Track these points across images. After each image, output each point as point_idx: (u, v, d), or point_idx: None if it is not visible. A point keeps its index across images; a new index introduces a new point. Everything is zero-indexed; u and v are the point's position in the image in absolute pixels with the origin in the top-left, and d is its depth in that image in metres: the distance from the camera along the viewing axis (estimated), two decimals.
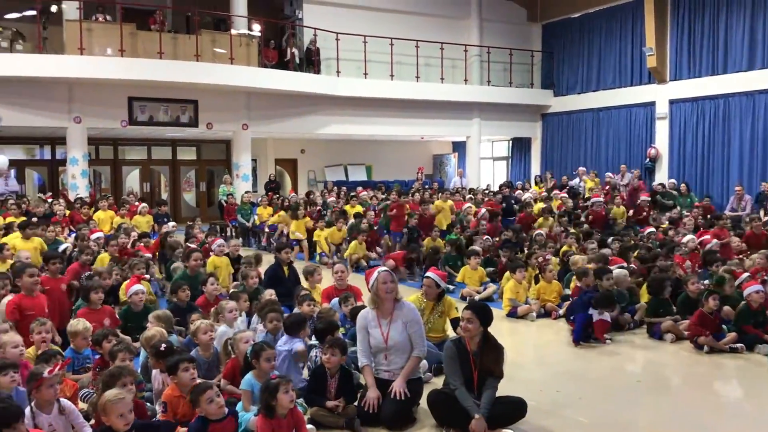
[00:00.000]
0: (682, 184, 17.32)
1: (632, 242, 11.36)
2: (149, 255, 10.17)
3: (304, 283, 8.21)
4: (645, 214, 15.25)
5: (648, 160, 19.63)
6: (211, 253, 9.68)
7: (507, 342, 5.76)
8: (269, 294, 7.57)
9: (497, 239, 12.74)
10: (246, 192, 17.17)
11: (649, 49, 19.21)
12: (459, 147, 25.13)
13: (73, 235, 11.73)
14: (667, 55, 19.45)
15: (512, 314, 8.84)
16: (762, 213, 15.12)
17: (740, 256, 10.52)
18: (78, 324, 5.86)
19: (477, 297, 9.56)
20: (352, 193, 17.83)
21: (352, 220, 15.03)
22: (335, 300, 7.42)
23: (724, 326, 7.43)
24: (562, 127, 23.08)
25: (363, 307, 6.66)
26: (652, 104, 19.96)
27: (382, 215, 14.73)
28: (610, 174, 18.96)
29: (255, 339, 5.52)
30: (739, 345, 7.13)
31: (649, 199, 16.01)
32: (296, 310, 6.90)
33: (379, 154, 24.38)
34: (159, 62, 15.94)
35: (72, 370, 5.62)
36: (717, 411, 5.71)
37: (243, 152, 18.69)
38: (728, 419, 5.53)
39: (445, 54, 21.14)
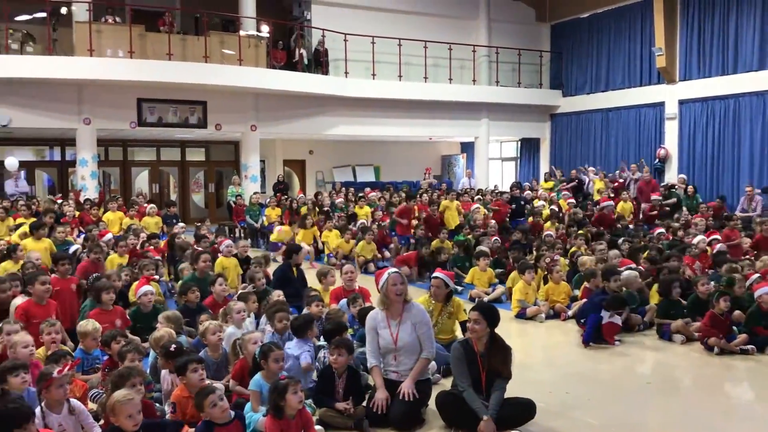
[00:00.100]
0: (690, 186, 17.24)
1: (642, 243, 11.33)
2: (158, 257, 10.19)
3: (318, 285, 8.20)
4: (656, 212, 15.21)
5: (657, 160, 19.54)
6: (219, 254, 9.69)
7: (516, 343, 5.75)
8: (277, 295, 7.58)
9: (506, 242, 12.71)
10: (254, 193, 17.20)
11: (659, 49, 19.12)
12: (467, 147, 25.09)
13: (83, 236, 11.77)
14: (676, 55, 19.36)
15: (521, 315, 8.81)
16: None
17: (748, 257, 10.45)
18: (87, 324, 5.89)
19: (486, 298, 9.55)
20: (360, 194, 17.83)
21: (362, 221, 15.09)
22: (344, 301, 7.42)
23: (734, 327, 7.38)
24: (571, 127, 23.01)
25: (371, 308, 6.65)
26: (662, 104, 19.87)
27: (389, 217, 14.71)
28: (619, 171, 18.87)
29: (263, 340, 5.52)
30: (749, 346, 7.09)
31: (661, 198, 15.92)
32: (305, 310, 6.91)
33: (387, 154, 24.38)
34: (168, 63, 16.00)
35: (81, 371, 5.64)
36: (727, 413, 5.68)
37: (251, 153, 18.73)
38: (739, 422, 5.49)
39: (454, 54, 21.13)
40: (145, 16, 17.12)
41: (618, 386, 6.28)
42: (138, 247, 10.46)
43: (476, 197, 17.41)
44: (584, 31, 22.43)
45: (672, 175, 19.16)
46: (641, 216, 16.12)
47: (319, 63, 19.57)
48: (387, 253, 13.34)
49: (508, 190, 19.12)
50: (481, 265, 10.39)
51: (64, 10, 16.85)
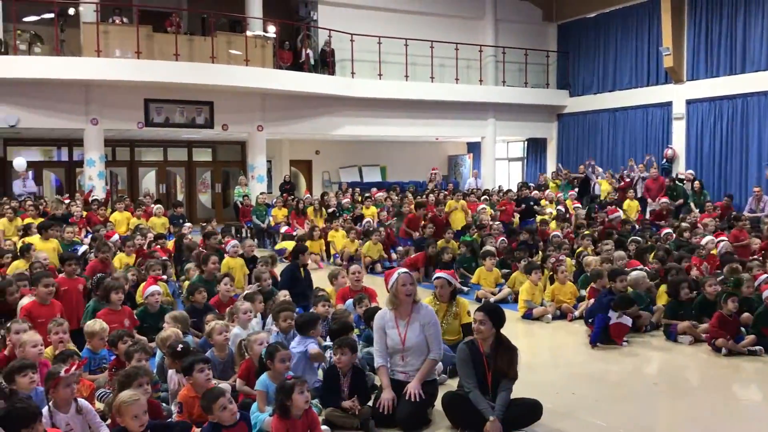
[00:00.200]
0: (697, 182, 17.19)
1: (649, 243, 11.29)
2: (165, 257, 10.21)
3: (328, 287, 8.21)
4: (665, 213, 15.15)
5: (665, 160, 19.47)
6: (225, 255, 9.70)
7: (522, 344, 5.74)
8: (283, 295, 7.60)
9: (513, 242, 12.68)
10: (261, 193, 17.22)
11: (666, 49, 19.05)
12: (474, 148, 25.05)
13: (90, 236, 11.82)
14: (684, 55, 19.28)
15: (527, 316, 8.80)
16: None
17: (756, 257, 10.41)
18: (95, 324, 5.91)
19: (492, 299, 9.54)
20: (367, 194, 17.84)
21: (368, 219, 15.11)
22: (350, 301, 7.42)
23: (742, 329, 7.35)
24: (578, 127, 22.96)
25: (377, 308, 6.66)
26: (669, 104, 19.80)
27: (395, 219, 14.62)
28: (627, 171, 18.80)
29: (269, 340, 5.53)
30: (757, 347, 7.05)
31: (668, 201, 15.86)
32: (312, 310, 6.91)
33: (393, 155, 24.37)
34: (175, 64, 16.04)
35: (89, 371, 5.66)
36: (736, 415, 5.65)
37: (258, 153, 18.76)
38: (747, 423, 5.46)
39: (460, 54, 21.12)
40: (153, 17, 17.17)
41: (625, 387, 6.27)
42: (145, 247, 10.50)
43: (483, 197, 17.39)
44: (591, 31, 22.38)
45: None
46: (648, 216, 16.06)
47: (325, 63, 19.59)
48: (394, 255, 13.33)
49: (515, 190, 19.15)
50: (487, 265, 10.39)
51: (71, 11, 16.94)
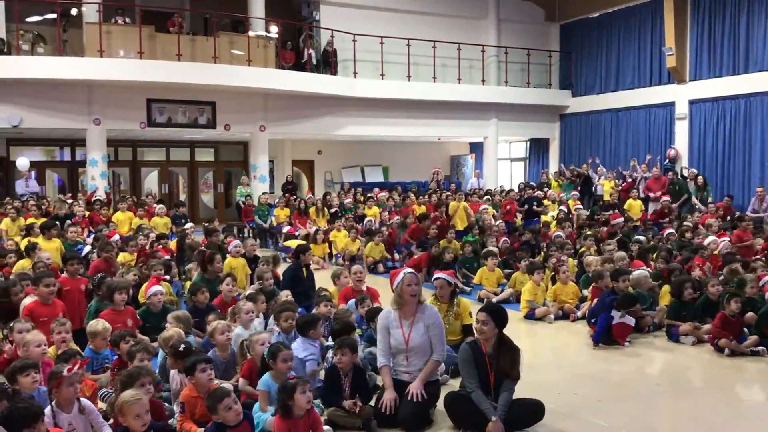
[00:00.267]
0: (700, 177, 17.18)
1: (651, 244, 11.29)
2: (167, 256, 10.22)
3: (331, 287, 8.21)
4: (666, 211, 15.14)
5: (668, 160, 19.44)
6: (228, 255, 9.70)
7: (525, 344, 5.73)
8: (285, 295, 7.60)
9: (515, 242, 12.68)
10: (263, 193, 17.24)
11: (669, 49, 19.03)
12: (476, 148, 25.04)
13: (92, 236, 11.83)
14: (686, 55, 19.25)
15: (530, 316, 8.79)
16: None
17: (759, 257, 10.39)
18: (97, 324, 5.91)
19: (494, 299, 9.53)
20: (369, 194, 17.85)
21: (369, 218, 15.12)
22: (352, 301, 7.42)
23: (745, 329, 7.33)
24: (580, 127, 22.92)
25: (379, 308, 6.65)
26: (672, 104, 19.77)
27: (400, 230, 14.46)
28: (630, 171, 18.78)
29: (271, 340, 5.53)
30: (760, 348, 7.04)
31: (670, 199, 15.85)
32: (314, 310, 6.92)
33: (395, 155, 24.37)
34: (177, 64, 16.06)
35: (91, 370, 5.66)
36: (738, 415, 5.64)
37: (260, 153, 18.77)
38: (750, 423, 5.45)
39: (463, 54, 21.11)
40: (155, 17, 17.18)
41: (628, 387, 6.25)
42: (147, 247, 10.51)
43: (485, 197, 17.38)
44: (594, 31, 22.35)
45: None
46: (649, 216, 16.04)
47: (327, 63, 19.60)
48: (397, 255, 13.29)
49: (517, 190, 19.15)
50: (489, 265, 10.40)
51: (74, 11, 16.95)
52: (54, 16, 16.59)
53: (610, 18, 21.73)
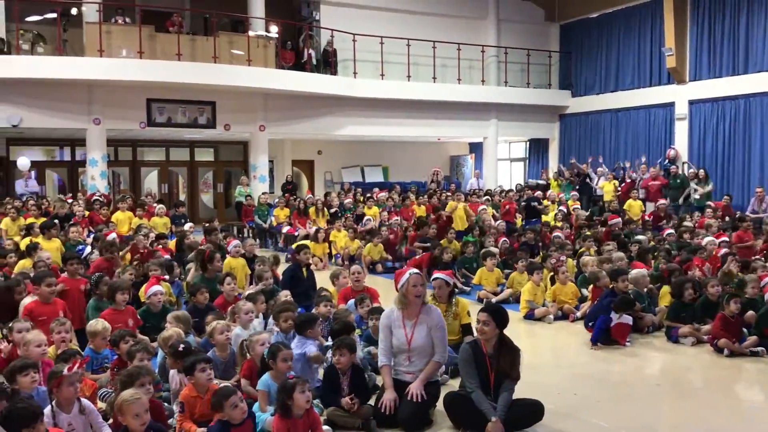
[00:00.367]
0: (701, 170, 17.19)
1: (651, 244, 11.29)
2: (167, 256, 10.21)
3: (330, 287, 8.22)
4: (663, 215, 15.14)
5: (667, 161, 19.46)
6: (227, 254, 9.70)
7: (524, 344, 5.73)
8: (284, 295, 7.60)
9: (515, 243, 12.68)
10: (263, 193, 17.25)
11: (669, 49, 19.03)
12: (476, 148, 25.04)
13: (92, 236, 11.83)
14: (686, 55, 19.26)
15: (529, 316, 8.79)
16: None
17: (759, 257, 10.39)
18: (97, 324, 5.91)
19: (494, 299, 9.53)
20: (368, 195, 17.86)
21: (368, 217, 15.12)
22: (351, 301, 7.42)
23: (744, 329, 7.33)
24: (580, 128, 22.93)
25: (380, 308, 6.66)
26: (672, 105, 19.77)
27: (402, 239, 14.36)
28: (628, 171, 18.79)
29: (271, 341, 5.53)
30: (759, 348, 7.04)
31: (667, 202, 15.84)
32: (314, 310, 6.92)
33: (395, 155, 24.37)
34: (177, 64, 16.05)
35: (91, 370, 5.66)
36: (738, 415, 5.64)
37: (260, 153, 18.77)
38: (749, 424, 5.46)
39: (462, 55, 21.11)
40: (155, 17, 17.18)
41: (627, 388, 6.26)
42: (147, 247, 10.49)
43: (484, 198, 17.37)
44: (594, 31, 22.35)
45: None
46: (648, 215, 16.03)
47: (327, 63, 19.60)
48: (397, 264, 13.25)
49: (515, 190, 19.14)
50: (488, 266, 10.40)
51: (74, 11, 16.95)
52: (54, 15, 16.60)
53: (609, 18, 21.73)
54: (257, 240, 14.56)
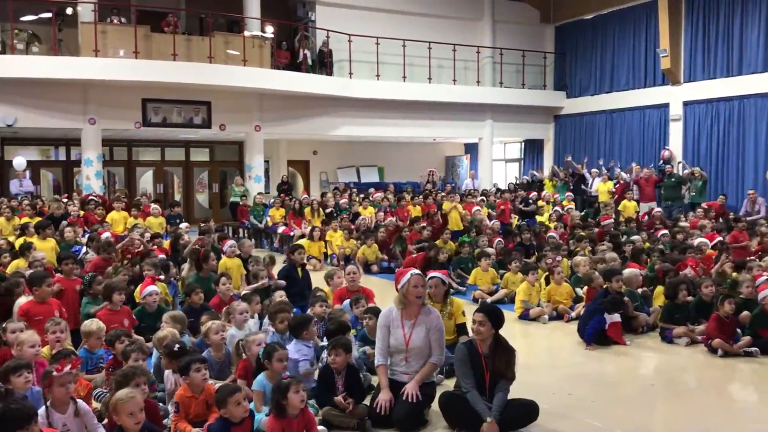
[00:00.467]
0: (696, 168, 17.24)
1: (646, 245, 11.32)
2: (162, 256, 10.20)
3: (325, 287, 8.22)
4: (659, 222, 15.14)
5: (662, 162, 19.51)
6: (222, 255, 9.70)
7: (519, 344, 5.75)
8: (279, 295, 7.60)
9: (510, 243, 12.70)
10: (258, 193, 17.24)
11: (663, 51, 19.09)
12: (471, 149, 25.08)
13: (87, 235, 11.80)
14: (681, 57, 19.32)
15: (524, 316, 8.81)
16: None
17: (753, 258, 10.43)
18: (92, 324, 5.90)
19: (489, 299, 9.55)
20: (362, 195, 17.85)
21: (363, 216, 15.14)
22: (347, 301, 7.43)
23: (738, 330, 7.36)
24: (575, 128, 22.97)
25: (376, 308, 6.66)
26: (666, 106, 19.82)
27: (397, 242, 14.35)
28: (625, 175, 18.84)
29: (266, 341, 5.53)
30: (753, 349, 7.06)
31: (661, 210, 15.83)
32: (309, 311, 6.92)
33: (391, 155, 24.38)
34: (172, 64, 16.03)
35: (86, 370, 5.66)
36: (732, 415, 5.66)
37: (255, 154, 18.77)
38: (744, 424, 5.47)
39: (458, 55, 21.14)
40: (151, 17, 17.16)
41: (622, 388, 6.28)
42: (140, 247, 10.46)
43: (479, 198, 17.39)
44: (588, 33, 22.40)
45: None
46: (642, 217, 16.06)
47: (323, 64, 19.60)
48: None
49: (509, 191, 19.17)
50: (483, 266, 10.43)
51: (69, 11, 16.92)
52: (49, 15, 16.55)
53: (604, 19, 21.79)
54: (253, 240, 14.56)
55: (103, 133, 16.97)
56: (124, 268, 8.71)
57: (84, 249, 10.26)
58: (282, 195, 18.31)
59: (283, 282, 8.95)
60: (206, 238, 10.67)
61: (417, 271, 5.57)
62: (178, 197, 21.50)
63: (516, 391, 5.08)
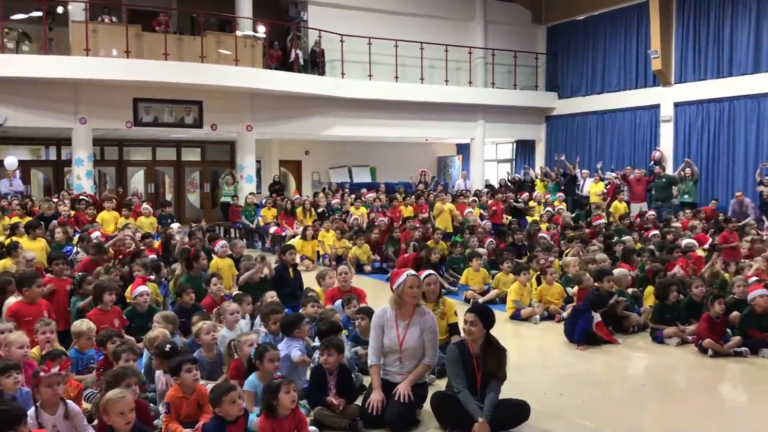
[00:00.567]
0: (687, 168, 17.32)
1: (637, 245, 11.36)
2: (153, 256, 10.16)
3: (317, 287, 8.21)
4: (652, 225, 15.17)
5: (653, 162, 19.58)
6: (214, 255, 9.67)
7: (510, 344, 5.76)
8: (271, 296, 7.58)
9: (501, 243, 12.72)
10: (250, 193, 17.20)
11: (654, 52, 19.17)
12: (463, 149, 25.11)
13: (78, 235, 11.74)
14: (672, 58, 19.41)
15: (515, 317, 8.82)
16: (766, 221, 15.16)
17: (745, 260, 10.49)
18: (82, 324, 5.87)
19: (480, 299, 9.56)
20: (354, 195, 17.85)
21: (355, 216, 15.14)
22: (338, 302, 7.42)
23: (728, 330, 7.39)
24: (566, 129, 23.04)
25: (368, 308, 6.66)
26: (657, 107, 19.92)
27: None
28: (612, 174, 18.90)
29: (258, 341, 5.52)
30: (743, 349, 7.10)
31: (654, 213, 15.87)
32: (301, 311, 6.91)
33: (383, 155, 24.37)
34: (164, 63, 15.98)
35: (76, 371, 5.63)
36: (723, 415, 5.69)
37: (247, 153, 18.72)
38: (734, 424, 5.50)
39: (450, 56, 21.16)
40: (142, 16, 17.10)
41: (613, 388, 6.30)
42: (131, 247, 10.42)
43: (471, 199, 17.39)
44: (580, 34, 22.48)
45: None
46: (635, 219, 16.11)
47: (315, 64, 19.58)
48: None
49: (501, 189, 19.21)
50: (475, 266, 10.45)
51: (60, 10, 16.84)
52: (40, 14, 16.47)
53: (596, 20, 21.87)
54: (244, 240, 14.52)
55: (94, 132, 16.90)
56: (114, 268, 8.67)
57: (75, 249, 10.20)
58: (274, 195, 18.28)
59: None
60: (195, 239, 10.62)
61: (413, 271, 5.56)
62: (169, 197, 21.41)
63: (507, 391, 5.08)
